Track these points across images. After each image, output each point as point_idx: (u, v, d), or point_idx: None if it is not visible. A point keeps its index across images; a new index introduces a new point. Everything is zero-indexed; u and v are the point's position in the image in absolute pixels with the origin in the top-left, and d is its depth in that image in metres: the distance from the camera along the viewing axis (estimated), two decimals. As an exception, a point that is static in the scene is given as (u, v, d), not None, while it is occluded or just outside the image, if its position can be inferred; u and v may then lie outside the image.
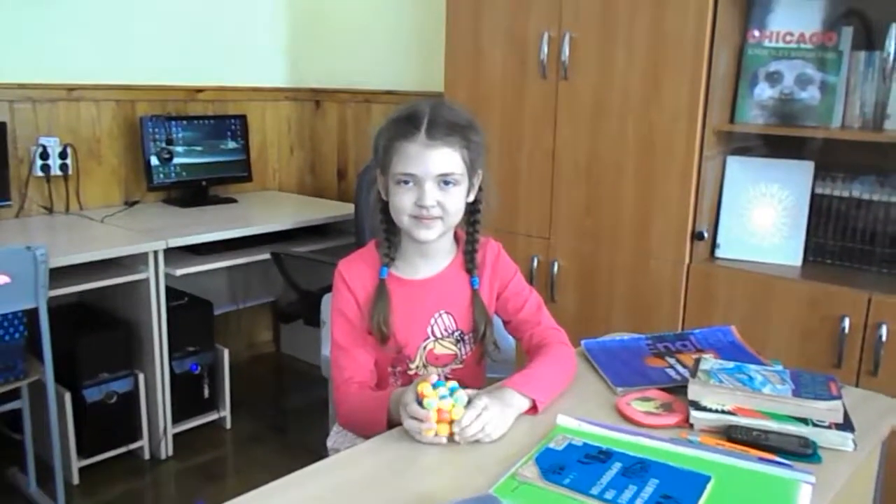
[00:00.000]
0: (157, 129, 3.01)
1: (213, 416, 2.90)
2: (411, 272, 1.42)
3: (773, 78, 2.25)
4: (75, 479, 2.53)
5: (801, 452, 1.10)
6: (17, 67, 2.73)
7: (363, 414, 1.32)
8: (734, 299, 2.22)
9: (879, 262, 2.16)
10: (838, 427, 1.14)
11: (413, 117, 1.31)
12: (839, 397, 1.16)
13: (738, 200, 2.32)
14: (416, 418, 1.14)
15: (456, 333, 1.42)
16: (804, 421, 1.15)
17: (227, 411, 2.93)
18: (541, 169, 2.54)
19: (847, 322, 2.01)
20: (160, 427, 2.67)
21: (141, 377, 2.64)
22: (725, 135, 2.30)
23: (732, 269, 2.25)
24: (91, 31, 2.92)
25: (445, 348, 1.42)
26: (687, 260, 2.29)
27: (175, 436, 2.74)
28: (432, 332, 1.41)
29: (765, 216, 2.30)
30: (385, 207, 1.38)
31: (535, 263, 2.59)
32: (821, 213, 2.25)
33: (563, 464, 1.05)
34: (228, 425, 2.94)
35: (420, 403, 1.15)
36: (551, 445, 1.11)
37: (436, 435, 1.13)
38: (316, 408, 3.11)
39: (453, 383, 1.18)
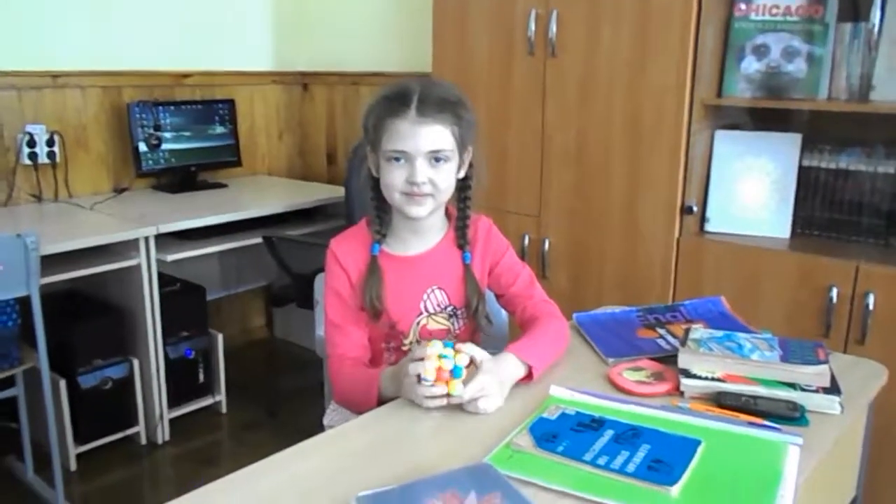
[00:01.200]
0: (144, 115, 2.99)
1: (208, 401, 2.91)
2: (403, 249, 1.42)
3: (760, 51, 2.25)
4: (73, 466, 2.54)
5: (790, 416, 1.12)
6: (1, 55, 2.71)
7: (355, 390, 1.33)
8: (724, 272, 2.24)
9: (866, 232, 2.18)
10: (825, 391, 1.16)
11: (403, 95, 1.31)
12: (826, 362, 1.18)
13: (726, 174, 2.34)
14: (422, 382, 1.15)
15: (448, 308, 1.43)
16: (792, 386, 1.17)
17: (223, 396, 2.94)
18: (530, 146, 2.55)
19: (835, 292, 2.04)
20: (156, 412, 2.68)
21: (136, 363, 2.64)
22: (713, 109, 2.30)
23: (722, 243, 2.27)
24: (75, 17, 2.89)
25: (438, 323, 1.43)
26: (676, 234, 2.31)
27: (171, 421, 2.75)
28: (425, 307, 1.42)
29: (753, 189, 2.31)
30: (376, 185, 1.39)
31: (527, 241, 2.60)
32: (808, 186, 2.27)
33: (556, 432, 1.07)
34: (224, 410, 2.95)
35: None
36: (545, 415, 1.12)
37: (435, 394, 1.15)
38: (310, 391, 3.12)
39: (456, 350, 1.19)
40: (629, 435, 1.06)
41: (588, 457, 1.00)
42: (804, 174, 2.26)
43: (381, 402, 1.26)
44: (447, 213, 1.46)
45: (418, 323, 1.42)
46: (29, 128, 2.79)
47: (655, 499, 0.92)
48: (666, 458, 0.99)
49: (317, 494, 0.95)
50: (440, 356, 1.15)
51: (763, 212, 2.30)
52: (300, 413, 2.94)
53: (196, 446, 2.75)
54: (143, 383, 2.66)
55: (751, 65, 2.26)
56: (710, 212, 2.35)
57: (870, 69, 2.10)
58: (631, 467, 0.97)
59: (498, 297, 1.51)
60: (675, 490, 0.93)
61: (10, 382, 2.36)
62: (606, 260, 2.45)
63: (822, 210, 2.26)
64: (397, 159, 1.31)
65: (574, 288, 2.54)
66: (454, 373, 1.15)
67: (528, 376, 1.27)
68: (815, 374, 1.16)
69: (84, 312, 2.63)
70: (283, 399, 3.06)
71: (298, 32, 3.60)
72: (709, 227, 2.35)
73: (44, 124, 2.83)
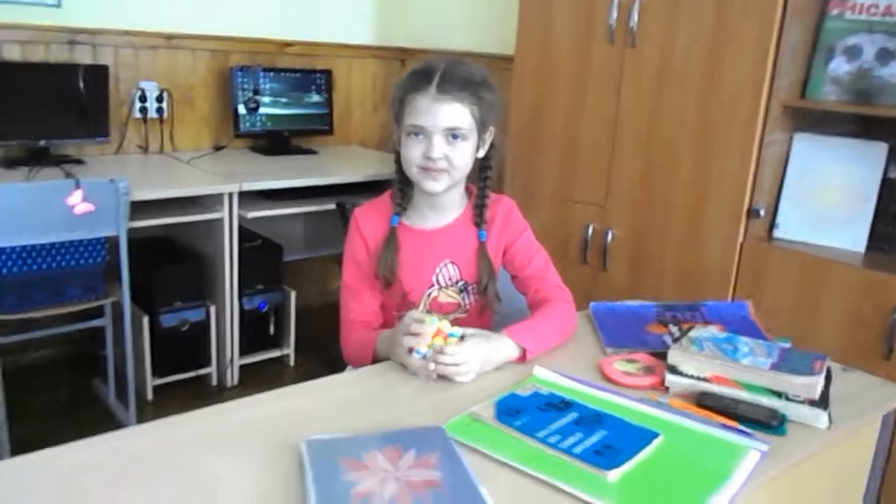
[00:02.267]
0: (245, 80, 3.18)
1: (276, 353, 3.09)
2: (421, 222, 1.48)
3: (852, 52, 2.13)
4: (149, 396, 2.78)
5: (767, 423, 1.09)
6: (122, 15, 2.95)
7: (357, 350, 1.41)
8: (787, 280, 2.16)
9: (947, 254, 2.04)
10: (812, 403, 1.12)
11: (427, 72, 1.36)
12: (818, 374, 1.14)
13: (802, 180, 2.24)
14: (412, 335, 1.21)
15: (460, 283, 1.48)
16: (779, 395, 1.14)
17: (291, 349, 3.11)
18: (601, 136, 2.53)
19: (901, 313, 1.93)
20: (227, 357, 2.88)
21: (212, 309, 2.84)
22: (794, 111, 2.20)
23: (788, 250, 2.18)
24: (191, -16, 3.11)
25: (449, 297, 1.48)
26: (741, 238, 2.24)
27: (241, 367, 2.95)
28: (437, 280, 1.47)
29: (830, 198, 2.20)
30: (398, 158, 1.45)
31: (590, 231, 2.59)
32: (892, 199, 2.14)
33: (520, 408, 1.10)
34: (291, 363, 3.12)
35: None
36: (518, 392, 1.16)
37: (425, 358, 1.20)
38: (375, 355, 3.25)
39: (455, 329, 1.24)
40: (591, 419, 1.07)
41: (541, 434, 1.03)
42: (887, 187, 2.13)
43: (376, 361, 1.33)
44: (468, 191, 1.50)
45: (429, 294, 1.47)
46: (142, 84, 3.03)
47: (590, 481, 0.94)
48: (617, 444, 1.01)
49: (275, 435, 1.03)
50: (435, 335, 1.21)
51: (838, 222, 2.19)
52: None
53: (262, 392, 2.92)
54: (218, 329, 2.86)
55: (840, 66, 2.15)
56: (781, 218, 2.26)
57: (972, 79, 1.96)
58: (578, 449, 0.99)
59: (512, 278, 1.53)
60: (613, 475, 0.94)
61: (99, 313, 2.61)
62: (668, 257, 2.41)
63: (903, 226, 2.13)
64: (416, 134, 1.37)
65: (633, 282, 2.51)
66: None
67: (522, 357, 1.29)
68: (802, 385, 1.13)
69: (171, 258, 2.86)
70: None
71: (400, 8, 3.69)
72: (778, 234, 2.26)
73: (155, 82, 3.07)
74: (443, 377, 1.21)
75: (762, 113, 2.15)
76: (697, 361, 1.20)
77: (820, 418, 1.11)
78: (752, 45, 2.12)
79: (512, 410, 1.09)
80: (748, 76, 2.14)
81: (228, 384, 2.92)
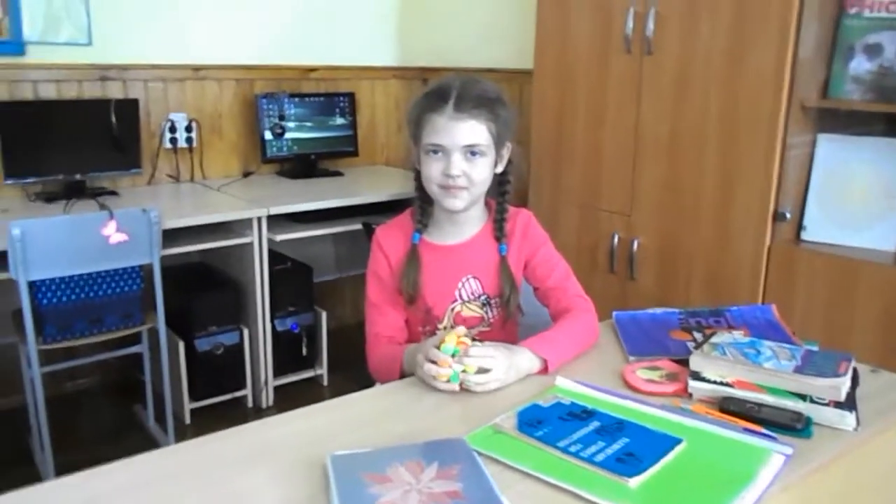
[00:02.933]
0: (270, 106, 3.25)
1: (310, 373, 3.13)
2: (442, 238, 1.50)
3: (873, 50, 2.12)
4: (187, 419, 2.83)
5: (792, 426, 1.09)
6: (150, 50, 3.05)
7: (383, 365, 1.43)
8: (817, 283, 2.14)
9: (981, 249, 2.00)
10: (837, 405, 1.11)
11: (443, 91, 1.39)
12: (844, 375, 1.13)
13: (827, 180, 2.21)
14: (433, 362, 1.22)
15: (482, 297, 1.49)
16: (803, 397, 1.13)
17: (325, 370, 3.15)
18: (623, 145, 2.53)
19: (935, 312, 1.89)
20: (261, 379, 2.93)
21: (246, 332, 2.89)
22: (816, 111, 2.19)
23: (817, 252, 2.16)
24: (215, 16, 3.19)
25: (472, 311, 1.50)
26: (768, 241, 2.22)
27: (275, 388, 2.99)
28: (460, 295, 1.49)
29: (856, 198, 2.17)
30: (419, 176, 1.48)
31: (616, 240, 2.59)
32: (920, 196, 2.11)
33: (542, 418, 1.11)
34: (325, 383, 3.16)
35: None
36: (539, 402, 1.17)
37: (448, 381, 1.22)
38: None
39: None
40: (613, 427, 1.08)
41: (563, 443, 1.04)
42: (916, 184, 2.10)
43: (404, 377, 1.34)
44: (487, 206, 1.52)
45: (452, 309, 1.49)
46: (171, 115, 3.12)
47: (611, 488, 0.94)
48: (639, 451, 1.01)
49: (303, 452, 1.05)
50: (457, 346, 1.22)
51: (866, 222, 2.16)
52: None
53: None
54: (252, 351, 2.91)
55: (861, 65, 2.13)
56: (808, 219, 2.24)
57: None
58: (600, 457, 1.00)
59: (534, 290, 1.55)
60: (634, 482, 0.95)
61: (136, 340, 2.68)
62: (695, 263, 2.40)
63: (933, 224, 2.10)
64: (435, 152, 1.39)
65: (662, 290, 2.50)
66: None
67: (545, 369, 1.30)
68: (827, 387, 1.12)
69: (205, 283, 2.92)
70: (380, 378, 3.22)
71: (419, 29, 3.74)
72: (805, 236, 2.24)
73: (184, 112, 3.15)
74: (466, 389, 1.22)
75: (783, 115, 2.13)
76: (720, 366, 1.20)
77: (846, 420, 1.10)
78: (770, 48, 2.11)
79: (534, 421, 1.10)
80: (768, 78, 2.13)
81: (264, 405, 2.96)
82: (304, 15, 3.43)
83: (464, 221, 1.49)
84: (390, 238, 1.51)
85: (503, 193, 1.49)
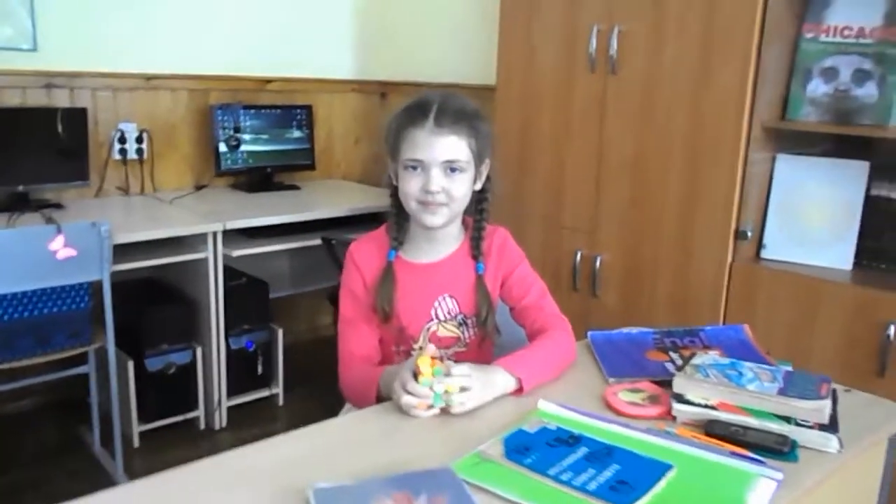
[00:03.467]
0: (226, 118, 3.17)
1: (265, 392, 3.04)
2: (418, 256, 1.47)
3: (829, 74, 2.17)
4: (136, 442, 2.72)
5: (777, 450, 1.08)
6: (100, 57, 2.94)
7: (357, 387, 1.38)
8: (778, 301, 2.17)
9: (934, 268, 2.06)
10: (821, 428, 1.12)
11: (422, 106, 1.36)
12: (826, 398, 1.14)
13: (786, 200, 2.26)
14: (411, 394, 1.18)
15: (459, 317, 1.46)
16: (787, 420, 1.13)
17: (280, 388, 3.06)
18: (587, 163, 2.54)
19: (893, 329, 1.94)
20: (215, 399, 2.83)
21: (199, 350, 2.80)
22: (776, 132, 2.23)
23: (777, 271, 2.19)
24: (169, 24, 3.10)
25: (449, 331, 1.46)
26: (730, 259, 2.25)
27: (229, 408, 2.90)
28: (436, 314, 1.46)
29: (815, 217, 2.22)
30: (395, 193, 1.44)
31: (579, 258, 2.59)
32: (876, 216, 2.16)
33: (529, 445, 1.08)
34: (281, 402, 3.07)
35: (415, 377, 1.19)
36: (525, 427, 1.14)
37: (430, 407, 1.18)
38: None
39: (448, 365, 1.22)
40: (602, 454, 1.06)
41: (553, 471, 1.01)
42: (871, 204, 2.16)
43: (380, 400, 1.30)
44: (465, 224, 1.50)
45: (428, 329, 1.46)
46: (121, 125, 3.01)
47: (607, 518, 0.92)
48: (631, 479, 0.99)
49: (281, 482, 0.99)
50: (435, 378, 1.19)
51: (824, 241, 2.21)
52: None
53: (251, 434, 2.85)
54: (205, 370, 2.82)
55: (818, 87, 2.18)
56: (768, 238, 2.27)
57: (947, 96, 1.99)
58: (593, 485, 0.97)
59: (510, 309, 1.52)
60: (630, 512, 0.92)
61: (84, 359, 2.55)
62: (658, 281, 2.41)
63: (889, 242, 2.15)
64: (414, 168, 1.36)
65: (625, 307, 2.51)
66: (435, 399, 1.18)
67: (520, 389, 1.28)
68: (811, 410, 1.12)
69: (156, 300, 2.81)
70: (340, 396, 3.14)
71: (379, 43, 3.71)
72: (765, 254, 2.27)
73: (135, 123, 3.05)
74: (443, 410, 1.18)
75: (745, 135, 2.17)
76: (703, 389, 1.19)
77: (830, 443, 1.11)
78: (734, 68, 2.15)
79: (521, 447, 1.07)
80: (731, 99, 2.16)
81: (217, 426, 2.86)
82: (262, 25, 3.36)
83: (441, 239, 1.46)
84: (365, 254, 1.47)
85: (481, 211, 1.47)
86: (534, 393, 1.28)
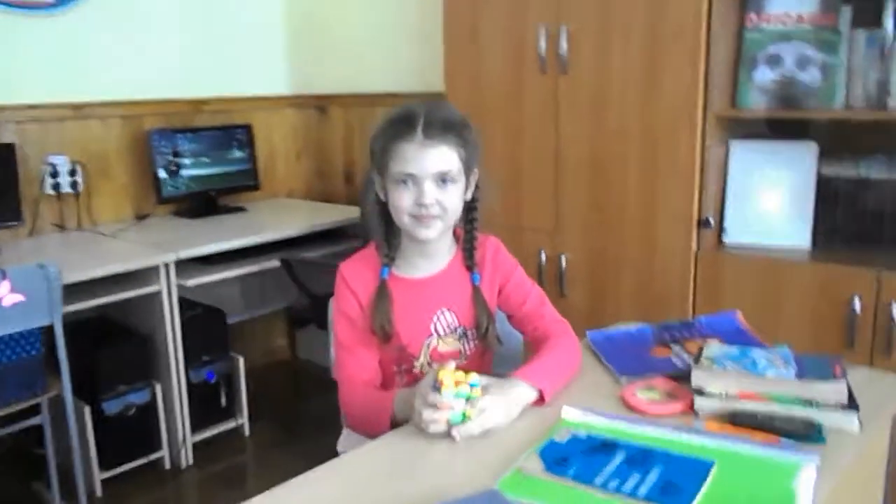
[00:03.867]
0: (163, 143, 3.04)
1: (231, 424, 2.93)
2: (412, 271, 1.43)
3: (774, 61, 2.23)
4: (98, 492, 2.57)
5: (806, 434, 1.09)
6: (24, 88, 2.77)
7: (367, 413, 1.33)
8: (743, 285, 2.21)
9: (888, 241, 2.15)
10: (843, 408, 1.13)
11: (409, 118, 1.32)
12: (844, 378, 1.16)
13: (743, 186, 2.31)
14: (434, 406, 1.14)
15: (459, 330, 1.43)
16: (809, 403, 1.15)
17: (245, 418, 2.96)
18: (544, 163, 2.54)
19: (858, 302, 2.00)
20: (179, 437, 2.70)
21: (158, 388, 2.67)
22: (728, 120, 2.29)
23: (740, 256, 2.24)
24: (95, 49, 2.96)
25: (449, 345, 1.43)
26: (694, 248, 2.29)
27: (194, 444, 2.77)
28: (435, 329, 1.42)
29: (771, 200, 2.28)
30: (383, 209, 1.40)
31: (543, 258, 2.59)
32: (828, 195, 2.24)
33: (566, 456, 1.06)
34: (247, 432, 2.96)
35: (438, 390, 1.16)
36: (555, 438, 1.12)
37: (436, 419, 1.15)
38: (335, 411, 3.12)
39: (473, 378, 1.19)
40: (640, 457, 1.04)
41: (598, 480, 0.99)
42: (823, 184, 2.23)
43: (395, 425, 1.25)
44: (455, 235, 1.47)
45: (428, 345, 1.42)
46: (52, 158, 2.85)
47: (667, 523, 0.90)
48: (677, 480, 0.98)
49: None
50: (458, 395, 1.15)
51: (782, 223, 2.27)
52: (325, 434, 2.92)
53: (220, 470, 2.76)
54: (166, 408, 2.69)
55: (764, 75, 2.24)
56: (728, 224, 2.32)
57: (886, 76, 2.08)
58: (642, 490, 0.96)
59: (509, 317, 1.50)
60: (687, 514, 0.91)
61: (36, 410, 2.39)
62: (624, 276, 2.44)
63: (842, 220, 2.23)
64: (405, 182, 1.32)
65: (592, 305, 2.52)
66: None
67: (540, 399, 1.26)
68: (832, 391, 1.14)
69: (108, 339, 2.67)
70: (307, 420, 3.07)
71: (314, 56, 3.64)
72: (727, 240, 2.32)
73: (66, 155, 2.88)
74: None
75: (700, 125, 2.21)
76: (723, 380, 1.20)
77: (853, 421, 1.12)
78: (684, 62, 2.19)
79: (559, 459, 1.05)
80: (684, 91, 2.20)
81: (183, 465, 2.74)
82: (191, 46, 3.24)
83: (434, 252, 1.43)
84: (357, 274, 1.42)
85: (472, 221, 1.44)
86: (551, 400, 1.26)
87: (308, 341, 3.64)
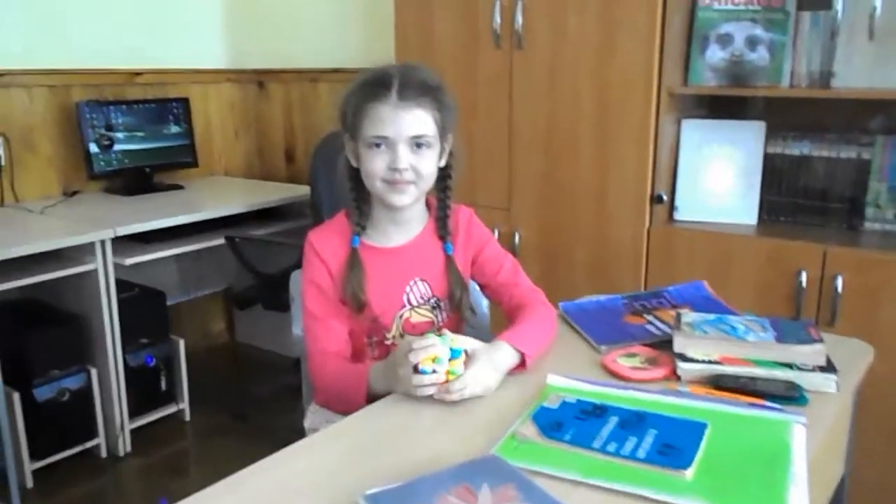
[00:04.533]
0: (95, 115, 2.88)
1: (171, 409, 2.81)
2: (384, 240, 1.38)
3: (724, 40, 2.27)
4: (29, 483, 2.42)
5: (788, 396, 1.11)
6: (-61, 54, 2.57)
7: (341, 387, 1.28)
8: (694, 260, 2.25)
9: (832, 216, 2.22)
10: (822, 370, 1.16)
11: (383, 79, 1.27)
12: (821, 341, 1.18)
13: (693, 163, 2.35)
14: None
15: (432, 300, 1.40)
16: (789, 366, 1.16)
17: (186, 403, 2.84)
18: (498, 139, 2.52)
19: (804, 276, 2.06)
20: (117, 423, 2.58)
21: (94, 372, 2.53)
22: (680, 98, 2.31)
23: (691, 231, 2.28)
24: (20, 13, 2.76)
25: (422, 316, 1.39)
26: (647, 224, 2.31)
27: (133, 431, 2.65)
28: (408, 300, 1.38)
29: (720, 177, 2.33)
30: (354, 175, 1.35)
31: (497, 234, 2.56)
32: (774, 172, 2.30)
33: (560, 420, 1.04)
34: (188, 417, 2.85)
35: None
36: (546, 404, 1.10)
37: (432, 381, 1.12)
38: (278, 395, 3.05)
39: (451, 339, 1.16)
40: (634, 420, 1.04)
41: (597, 444, 0.98)
42: (769, 161, 2.29)
43: (371, 399, 1.21)
44: (427, 204, 1.43)
45: (401, 316, 1.38)
46: (-29, 130, 2.66)
47: (670, 483, 0.90)
48: (675, 442, 0.97)
49: (312, 497, 0.90)
50: (438, 344, 1.12)
51: (730, 199, 2.32)
52: (269, 417, 2.87)
53: (160, 456, 2.65)
54: (103, 393, 2.56)
55: (715, 53, 2.28)
56: (679, 200, 2.36)
57: (830, 56, 2.14)
58: (641, 453, 0.95)
59: (483, 287, 1.48)
60: (689, 473, 0.91)
61: (-41, 397, 2.24)
62: (578, 251, 2.44)
63: (787, 196, 2.30)
64: (378, 145, 1.27)
65: (546, 280, 2.48)
66: (453, 353, 1.12)
67: (521, 364, 1.24)
68: (811, 353, 1.16)
69: (38, 321, 2.51)
70: (249, 404, 2.98)
71: (252, 29, 3.51)
72: (678, 216, 2.36)
73: (-13, 126, 2.70)
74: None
75: (654, 101, 2.23)
76: (704, 345, 1.20)
77: (830, 383, 1.15)
78: (639, 38, 2.20)
79: (553, 424, 1.03)
80: (639, 68, 2.21)
81: (121, 452, 2.61)
82: (125, 13, 3.07)
83: (406, 220, 1.39)
84: (327, 243, 1.36)
85: (445, 189, 1.40)
86: (532, 369, 1.24)
87: (248, 324, 3.54)
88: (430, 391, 1.12)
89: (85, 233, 2.37)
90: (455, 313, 1.42)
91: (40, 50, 2.83)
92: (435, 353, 1.11)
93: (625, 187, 2.32)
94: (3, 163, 2.74)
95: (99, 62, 2.99)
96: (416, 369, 1.12)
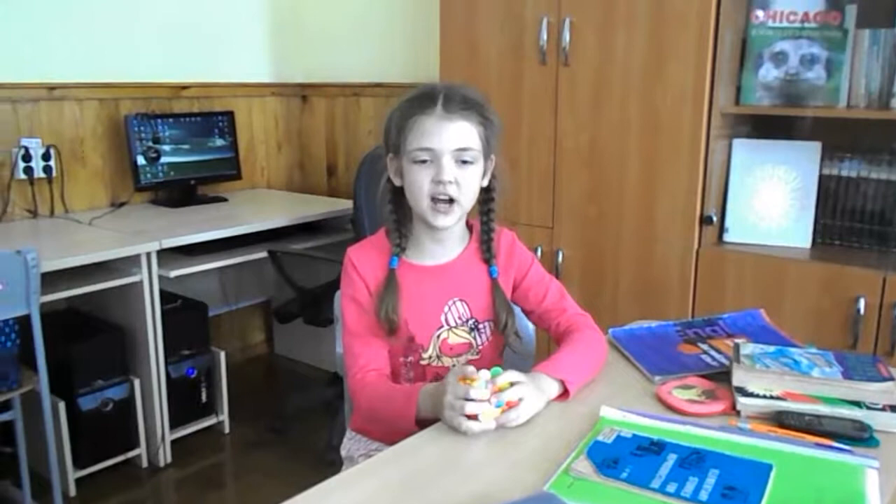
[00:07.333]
0: (143, 128, 2.92)
1: (211, 421, 2.82)
2: (423, 258, 1.36)
3: (778, 58, 2.22)
4: (72, 491, 2.44)
5: (857, 437, 1.06)
6: (-6, 66, 2.63)
7: (388, 407, 1.24)
8: (745, 284, 2.19)
9: (891, 240, 2.14)
10: (892, 409, 1.10)
11: (428, 94, 1.28)
12: (892, 378, 1.12)
13: (745, 183, 2.29)
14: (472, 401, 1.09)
15: (470, 322, 1.37)
16: (857, 404, 1.11)
17: (226, 415, 2.85)
18: (542, 157, 2.49)
19: (862, 303, 1.99)
20: (158, 434, 2.59)
21: (136, 383, 2.55)
22: (731, 117, 2.27)
23: (742, 253, 2.22)
24: (72, 29, 2.82)
25: (459, 337, 1.36)
26: (696, 245, 2.26)
27: (173, 442, 2.66)
28: (446, 320, 1.35)
29: (773, 199, 2.27)
30: (396, 194, 1.33)
31: (539, 253, 2.54)
32: (829, 194, 2.23)
33: (616, 457, 1.00)
34: (227, 430, 2.86)
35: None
36: (600, 438, 1.06)
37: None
38: (316, 410, 3.04)
39: (495, 369, 1.14)
40: (694, 459, 0.99)
41: (655, 484, 0.94)
42: (825, 182, 2.23)
43: (419, 422, 1.18)
44: (468, 225, 1.40)
45: (438, 336, 1.35)
46: (24, 141, 2.70)
47: (735, 530, 0.85)
48: (738, 483, 0.93)
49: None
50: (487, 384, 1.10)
51: (783, 221, 2.26)
52: (307, 433, 2.85)
53: (199, 468, 2.65)
54: (144, 404, 2.57)
55: (769, 72, 2.23)
56: (729, 221, 2.30)
57: (891, 76, 2.07)
58: (704, 495, 0.91)
59: (528, 313, 1.44)
60: (756, 519, 0.86)
61: (6, 405, 2.26)
62: (622, 272, 2.40)
63: (843, 219, 2.23)
64: (423, 161, 1.26)
65: (590, 301, 2.46)
66: (497, 404, 1.10)
67: (565, 393, 1.20)
68: (882, 392, 1.10)
69: (84, 331, 2.54)
70: (287, 418, 2.97)
71: (297, 44, 3.54)
72: (728, 238, 2.30)
73: (39, 138, 2.74)
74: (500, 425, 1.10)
75: (705, 121, 2.18)
76: (766, 379, 1.15)
77: (901, 423, 1.09)
78: (689, 56, 2.16)
79: (609, 461, 0.99)
80: (688, 87, 2.17)
81: (161, 463, 2.62)
82: (172, 28, 3.11)
83: (448, 239, 1.36)
84: (367, 260, 1.34)
85: (488, 211, 1.38)
86: (583, 400, 1.21)
87: (287, 337, 3.54)
88: (475, 428, 1.09)
89: (132, 245, 2.39)
90: (497, 337, 1.39)
91: (91, 64, 2.87)
92: (484, 409, 1.09)
93: (673, 207, 2.27)
94: (54, 173, 2.78)
95: (147, 76, 3.04)
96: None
